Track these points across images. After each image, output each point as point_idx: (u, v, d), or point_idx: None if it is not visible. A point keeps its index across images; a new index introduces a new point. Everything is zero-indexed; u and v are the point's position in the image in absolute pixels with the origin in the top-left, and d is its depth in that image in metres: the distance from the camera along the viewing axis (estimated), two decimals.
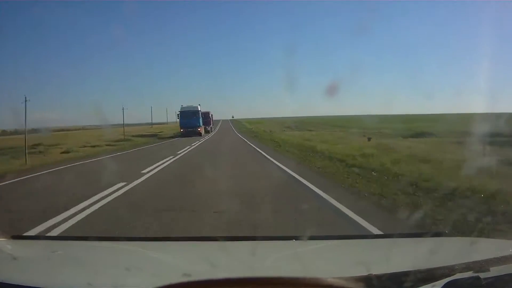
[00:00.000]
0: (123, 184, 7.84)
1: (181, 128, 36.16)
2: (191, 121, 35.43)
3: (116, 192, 7.11)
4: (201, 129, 35.90)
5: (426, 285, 1.04)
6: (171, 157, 14.40)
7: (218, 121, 76.07)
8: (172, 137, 35.09)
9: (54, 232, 4.57)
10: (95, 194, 6.68)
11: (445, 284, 1.04)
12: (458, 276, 1.07)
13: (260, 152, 16.47)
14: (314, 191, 7.05)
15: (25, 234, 3.88)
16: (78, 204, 6.00)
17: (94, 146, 24.66)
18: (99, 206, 6.01)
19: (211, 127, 45.30)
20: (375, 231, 4.29)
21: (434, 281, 1.05)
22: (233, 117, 74.49)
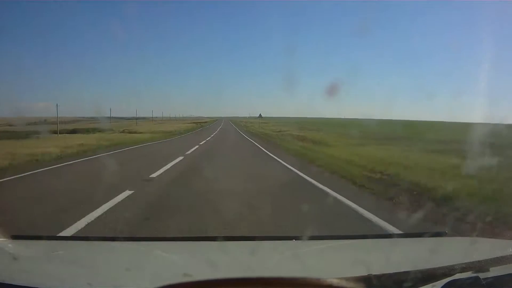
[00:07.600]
0: None
1: None
2: None
3: None
4: None
5: (426, 285, 1.04)
6: None
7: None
8: None
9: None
10: None
11: (445, 284, 1.04)
12: (458, 276, 1.07)
13: None
14: None
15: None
16: None
17: None
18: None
19: None
20: None
21: (434, 281, 1.05)
22: (261, 116, 71.18)
